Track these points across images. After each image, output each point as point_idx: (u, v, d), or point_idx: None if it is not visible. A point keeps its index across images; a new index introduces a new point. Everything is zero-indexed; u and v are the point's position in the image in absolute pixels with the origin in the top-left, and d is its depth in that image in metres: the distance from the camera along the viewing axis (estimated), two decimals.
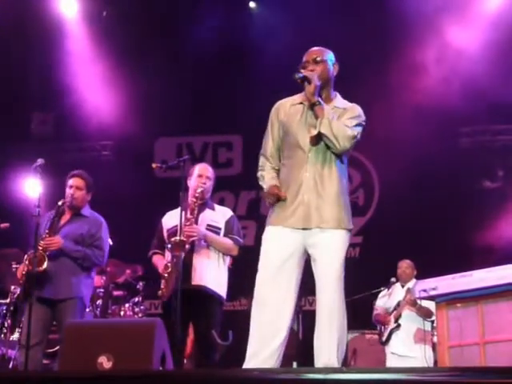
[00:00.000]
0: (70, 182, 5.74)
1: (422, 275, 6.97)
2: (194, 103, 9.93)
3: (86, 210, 5.81)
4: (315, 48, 4.31)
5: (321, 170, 4.11)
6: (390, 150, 9.38)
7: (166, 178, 8.77)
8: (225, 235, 5.54)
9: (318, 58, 4.22)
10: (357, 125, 4.17)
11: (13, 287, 6.94)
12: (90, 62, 9.81)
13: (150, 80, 9.47)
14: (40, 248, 5.39)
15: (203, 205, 5.59)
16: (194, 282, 5.35)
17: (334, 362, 3.99)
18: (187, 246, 5.30)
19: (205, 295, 5.35)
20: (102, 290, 7.36)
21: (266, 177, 4.26)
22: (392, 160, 9.42)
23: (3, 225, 6.44)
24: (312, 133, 4.11)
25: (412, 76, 8.78)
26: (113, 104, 9.69)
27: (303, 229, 4.10)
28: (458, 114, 9.00)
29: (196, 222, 5.45)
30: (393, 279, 7.53)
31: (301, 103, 4.25)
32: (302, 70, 4.17)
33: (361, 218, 10.10)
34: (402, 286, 7.40)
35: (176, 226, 5.42)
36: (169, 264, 5.37)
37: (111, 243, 7.20)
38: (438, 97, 8.79)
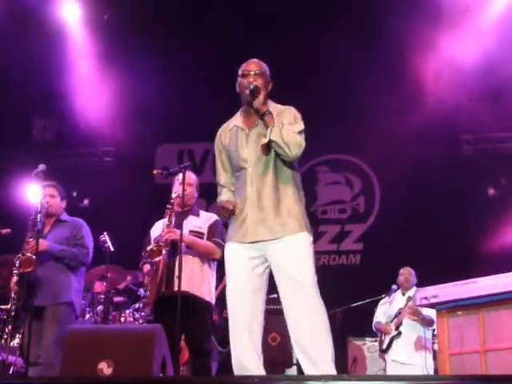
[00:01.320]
0: (44, 191, 5.81)
1: (422, 283, 6.96)
2: (196, 110, 9.93)
3: (65, 216, 5.93)
4: (254, 60, 4.36)
5: (262, 182, 4.16)
6: (391, 157, 9.38)
7: (166, 185, 8.73)
8: (207, 239, 5.54)
9: (256, 71, 4.27)
10: (300, 131, 4.18)
11: (15, 296, 6.94)
12: (92, 68, 9.82)
13: (151, 86, 9.47)
14: (25, 251, 5.45)
15: (187, 212, 5.59)
16: (176, 288, 5.33)
17: (331, 369, 3.96)
18: (164, 252, 5.33)
19: (191, 301, 5.30)
20: (102, 296, 7.35)
21: (221, 198, 4.36)
22: (393, 167, 9.42)
23: (4, 230, 6.45)
24: (263, 141, 4.15)
25: (413, 84, 8.79)
26: (114, 110, 9.69)
27: (252, 243, 4.12)
28: (460, 121, 9.01)
29: (179, 229, 5.43)
30: (394, 286, 7.52)
31: (235, 126, 4.37)
32: (252, 80, 4.21)
33: (362, 225, 10.11)
34: (403, 294, 7.39)
35: (160, 235, 5.50)
36: (149, 272, 5.42)
37: (112, 249, 7.23)
38: (440, 105, 8.80)
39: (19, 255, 5.55)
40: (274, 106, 4.28)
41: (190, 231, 5.50)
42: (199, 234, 5.54)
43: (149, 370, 4.02)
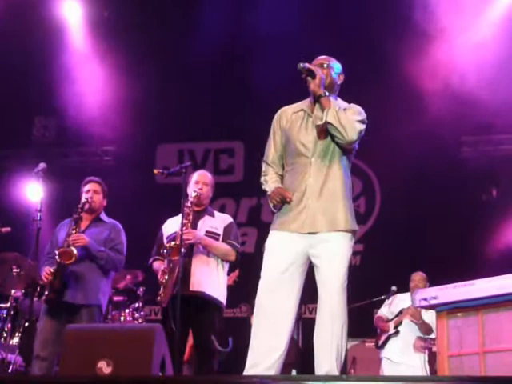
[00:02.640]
0: (87, 186, 5.75)
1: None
2: (196, 109, 9.94)
3: (104, 216, 5.84)
4: (323, 56, 4.37)
5: (325, 174, 4.12)
6: (392, 159, 9.39)
7: (167, 185, 8.79)
8: (222, 240, 5.53)
9: (325, 64, 4.28)
10: (360, 121, 4.18)
11: (13, 291, 6.95)
12: (93, 67, 9.83)
13: (152, 86, 9.49)
14: (67, 244, 5.41)
15: (202, 211, 5.60)
16: (192, 288, 5.34)
17: (334, 370, 3.98)
18: (183, 251, 5.28)
19: (203, 301, 5.35)
20: None
21: (270, 180, 4.27)
22: (394, 168, 9.43)
23: (4, 229, 6.46)
24: (318, 123, 4.11)
25: (414, 86, 8.79)
26: (115, 109, 9.70)
27: (308, 233, 4.09)
28: (460, 123, 9.01)
29: (195, 229, 5.46)
30: (393, 288, 7.51)
31: (302, 110, 4.27)
32: (307, 64, 4.18)
33: (362, 226, 10.10)
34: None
35: (175, 232, 5.45)
36: (166, 270, 5.38)
37: None
38: (440, 106, 8.80)
39: (60, 246, 5.46)
40: (341, 102, 4.29)
41: (207, 232, 5.50)
42: (215, 235, 5.52)
43: (148, 369, 4.02)
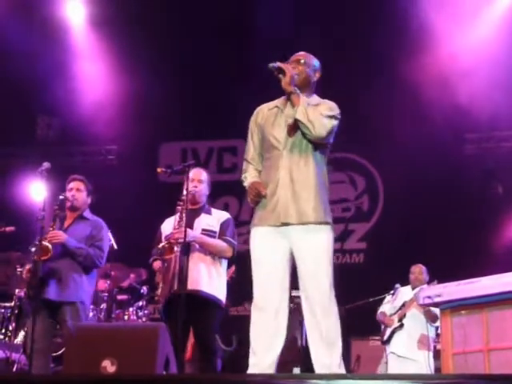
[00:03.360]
0: (71, 185, 5.77)
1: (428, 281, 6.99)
2: (199, 108, 9.94)
3: (88, 213, 5.84)
4: (301, 52, 4.42)
5: (296, 166, 4.17)
6: (395, 156, 9.39)
7: (170, 183, 8.77)
8: (218, 237, 5.51)
9: (302, 61, 4.34)
10: (331, 116, 4.21)
11: (17, 290, 6.96)
12: (96, 67, 9.84)
13: (155, 85, 9.49)
14: (44, 241, 5.42)
15: (199, 209, 5.58)
16: (189, 287, 5.33)
17: (335, 366, 3.98)
18: (176, 249, 5.30)
19: (201, 299, 5.32)
20: (106, 294, 7.37)
21: (249, 177, 4.34)
22: (397, 166, 9.43)
23: (8, 228, 6.47)
24: (289, 121, 4.19)
25: (416, 84, 8.79)
26: (118, 108, 9.71)
27: (283, 224, 4.12)
28: (463, 120, 9.00)
29: (191, 227, 5.43)
30: (397, 285, 7.50)
31: (276, 107, 4.35)
32: (278, 62, 4.23)
33: (365, 223, 10.11)
34: (413, 289, 7.33)
35: (171, 232, 5.48)
36: (161, 269, 5.41)
37: (116, 247, 7.24)
38: (443, 104, 8.79)
39: (35, 242, 5.47)
40: (317, 98, 4.34)
41: (203, 230, 5.47)
42: (212, 233, 5.50)
43: (152, 368, 4.02)
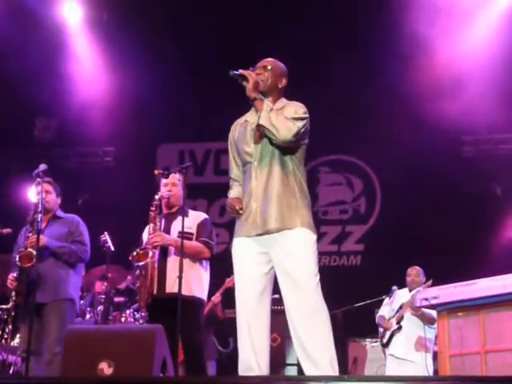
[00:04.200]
0: (39, 188, 5.79)
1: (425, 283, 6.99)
2: (197, 110, 9.95)
3: (60, 212, 5.90)
4: (269, 58, 4.41)
5: (267, 175, 4.17)
6: (392, 159, 9.39)
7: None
8: (196, 238, 5.52)
9: (268, 67, 4.33)
10: (298, 118, 4.17)
11: (14, 293, 6.94)
12: (94, 68, 9.84)
13: (152, 86, 9.49)
14: (25, 248, 5.45)
15: (176, 213, 5.59)
16: (167, 290, 5.37)
17: (328, 369, 3.97)
18: (150, 254, 5.36)
19: (181, 302, 5.27)
20: (103, 296, 7.36)
21: (231, 194, 4.41)
22: (394, 168, 9.43)
23: (5, 230, 6.46)
24: (252, 127, 4.22)
25: (414, 85, 8.79)
26: (116, 110, 9.70)
27: (258, 235, 4.12)
28: (461, 123, 9.01)
29: (168, 231, 5.47)
30: (394, 287, 7.51)
31: (245, 121, 4.37)
32: (240, 70, 4.25)
33: (362, 225, 10.12)
34: (410, 291, 7.35)
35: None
36: (138, 276, 5.43)
37: (113, 249, 7.24)
38: (440, 106, 8.80)
39: (19, 250, 5.53)
40: (284, 101, 4.31)
41: (179, 233, 5.43)
42: (188, 235, 5.48)
43: (149, 370, 4.02)
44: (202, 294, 5.54)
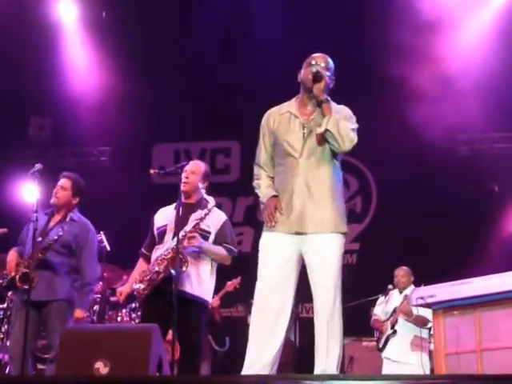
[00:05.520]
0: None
1: (419, 282, 6.97)
2: (192, 109, 9.94)
3: (75, 215, 5.73)
4: (321, 54, 4.33)
5: (313, 174, 4.13)
6: (388, 157, 9.40)
7: (163, 184, 8.76)
8: (216, 242, 5.36)
9: (323, 64, 4.26)
10: (354, 129, 4.20)
11: (10, 292, 6.92)
12: (89, 67, 9.83)
13: (148, 86, 9.49)
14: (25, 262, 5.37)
15: (195, 205, 5.40)
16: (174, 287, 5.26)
17: (333, 369, 4.00)
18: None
19: (184, 299, 5.13)
20: (98, 296, 7.35)
21: (263, 185, 4.29)
22: (390, 167, 9.44)
23: (1, 230, 6.44)
24: (318, 130, 4.12)
25: (409, 85, 8.80)
26: (111, 109, 9.69)
27: (297, 233, 4.11)
28: (456, 122, 9.02)
29: (186, 222, 5.24)
30: (390, 286, 7.54)
31: (288, 112, 4.28)
32: (319, 67, 4.18)
33: (358, 224, 10.12)
34: (400, 293, 7.40)
35: (165, 225, 5.36)
36: (159, 266, 5.27)
37: (109, 249, 7.23)
38: (436, 105, 8.81)
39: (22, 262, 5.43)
40: (332, 104, 4.24)
41: (198, 228, 5.26)
42: (206, 233, 5.31)
43: (145, 370, 4.02)
44: (209, 296, 5.44)
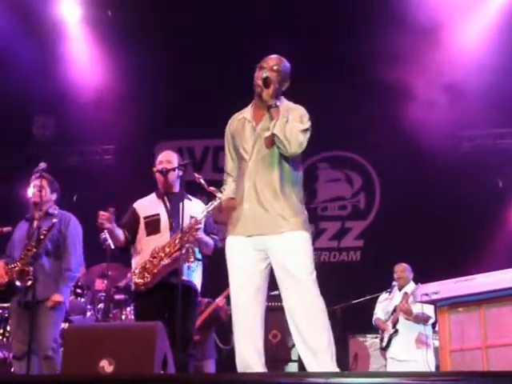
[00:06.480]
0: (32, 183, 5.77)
1: (422, 279, 6.95)
2: (195, 107, 9.94)
3: (53, 209, 5.83)
4: (275, 56, 4.36)
5: (260, 178, 4.16)
6: (392, 154, 9.39)
7: None
8: (207, 234, 5.40)
9: (275, 67, 4.28)
10: (305, 130, 4.16)
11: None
12: (92, 66, 9.83)
13: (150, 84, 9.48)
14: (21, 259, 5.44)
15: (178, 195, 5.43)
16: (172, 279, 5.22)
17: (329, 365, 3.98)
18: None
19: (182, 289, 5.19)
20: (103, 294, 7.36)
21: (226, 190, 4.38)
22: (393, 164, 9.43)
23: (5, 229, 6.44)
24: (265, 134, 4.17)
25: (413, 81, 8.79)
26: (114, 108, 9.69)
27: (251, 236, 4.14)
28: (459, 118, 9.01)
29: (177, 212, 5.25)
30: (394, 283, 7.53)
31: (243, 117, 4.35)
32: (267, 73, 4.20)
33: (362, 221, 10.12)
34: (400, 290, 7.40)
35: (156, 215, 5.50)
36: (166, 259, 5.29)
37: (113, 247, 7.22)
38: (439, 101, 8.80)
39: (14, 265, 5.50)
40: (285, 103, 4.28)
41: (191, 217, 5.31)
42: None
43: (150, 368, 4.02)
44: (198, 285, 5.46)
